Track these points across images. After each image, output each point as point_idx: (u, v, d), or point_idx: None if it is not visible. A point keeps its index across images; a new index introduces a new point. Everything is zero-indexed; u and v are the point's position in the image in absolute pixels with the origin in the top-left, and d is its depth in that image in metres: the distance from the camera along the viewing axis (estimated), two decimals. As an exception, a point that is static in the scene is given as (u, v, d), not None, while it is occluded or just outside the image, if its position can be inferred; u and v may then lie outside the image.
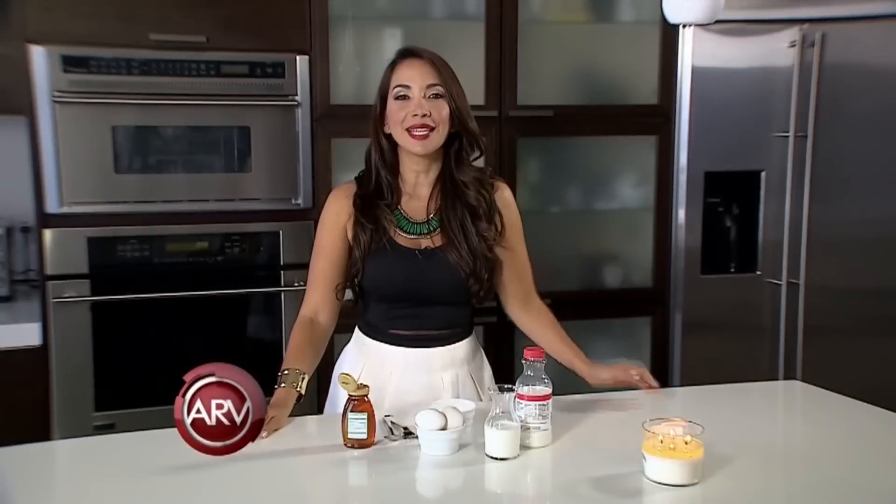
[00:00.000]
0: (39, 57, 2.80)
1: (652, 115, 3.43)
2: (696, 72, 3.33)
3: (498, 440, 1.81)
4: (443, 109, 2.09)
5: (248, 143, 3.02)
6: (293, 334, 2.15)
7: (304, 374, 2.02)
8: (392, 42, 3.19)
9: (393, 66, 2.14)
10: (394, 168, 2.18)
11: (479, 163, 2.24)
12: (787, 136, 3.36)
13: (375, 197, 2.16)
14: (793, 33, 3.34)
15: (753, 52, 3.37)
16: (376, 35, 3.23)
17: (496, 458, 1.81)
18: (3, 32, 2.88)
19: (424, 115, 2.07)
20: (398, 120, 2.09)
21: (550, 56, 3.33)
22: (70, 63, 2.82)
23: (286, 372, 2.01)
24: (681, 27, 3.31)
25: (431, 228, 2.16)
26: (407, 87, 2.09)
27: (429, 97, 2.09)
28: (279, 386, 1.99)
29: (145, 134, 2.95)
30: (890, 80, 3.41)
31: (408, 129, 2.08)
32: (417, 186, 2.19)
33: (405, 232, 2.16)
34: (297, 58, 3.02)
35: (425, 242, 2.15)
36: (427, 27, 3.27)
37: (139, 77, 2.89)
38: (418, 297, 2.15)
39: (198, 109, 2.96)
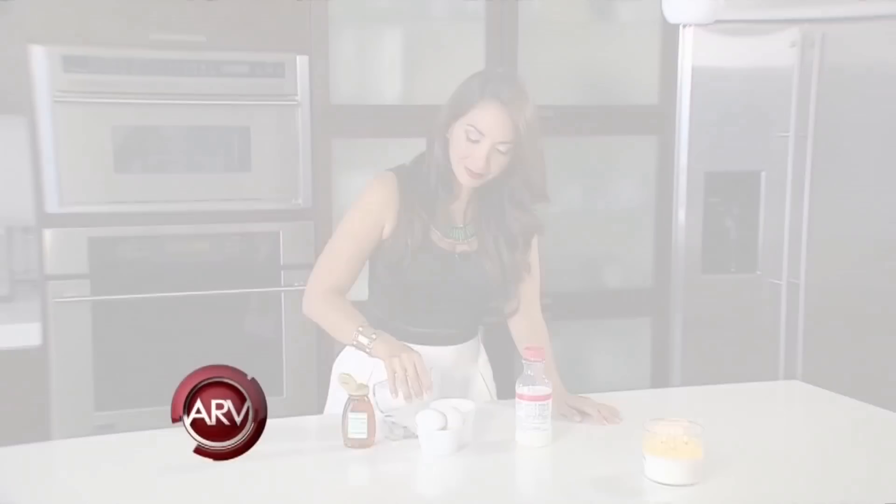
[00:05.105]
0: (39, 57, 2.79)
1: (652, 115, 3.43)
2: (696, 72, 3.33)
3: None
4: (503, 161, 2.04)
5: (248, 143, 3.01)
6: (332, 305, 2.07)
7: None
8: (392, 42, 3.19)
9: (480, 93, 2.03)
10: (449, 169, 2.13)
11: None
12: (787, 137, 3.36)
13: (433, 192, 2.12)
14: (793, 33, 3.33)
15: (753, 52, 3.36)
16: (376, 35, 3.22)
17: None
18: (3, 32, 2.88)
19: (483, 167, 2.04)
20: (460, 155, 2.04)
21: (550, 56, 3.33)
22: (70, 63, 2.82)
23: (364, 325, 1.98)
24: (681, 27, 3.31)
25: (468, 234, 2.15)
26: (481, 134, 2.01)
27: (496, 150, 2.03)
28: (372, 337, 1.96)
29: (145, 134, 2.95)
30: (890, 80, 3.40)
31: (465, 167, 2.04)
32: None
33: (442, 234, 2.13)
34: (297, 58, 3.02)
35: (461, 247, 2.14)
36: (427, 27, 3.27)
37: (139, 77, 2.89)
38: (450, 298, 2.15)
39: (198, 109, 2.96)
